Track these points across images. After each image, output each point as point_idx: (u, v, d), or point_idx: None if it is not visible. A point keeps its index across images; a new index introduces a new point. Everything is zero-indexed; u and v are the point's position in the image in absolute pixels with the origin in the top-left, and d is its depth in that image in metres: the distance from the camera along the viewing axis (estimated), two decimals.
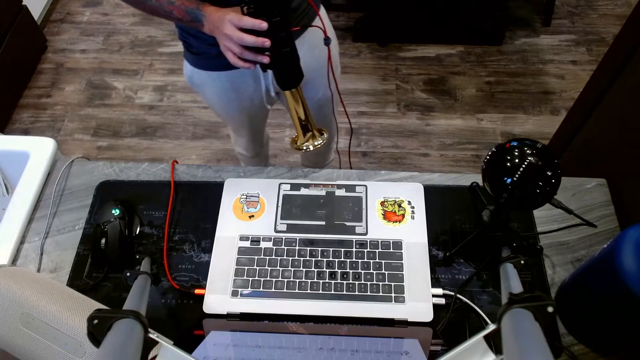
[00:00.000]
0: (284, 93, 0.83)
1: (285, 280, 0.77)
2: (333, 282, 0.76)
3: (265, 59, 0.74)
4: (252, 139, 1.33)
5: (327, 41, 0.80)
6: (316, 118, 1.08)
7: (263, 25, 0.70)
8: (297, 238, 0.81)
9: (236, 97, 1.04)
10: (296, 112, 0.84)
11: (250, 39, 0.71)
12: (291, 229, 0.82)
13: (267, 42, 0.72)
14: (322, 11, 0.97)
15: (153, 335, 0.49)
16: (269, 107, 1.10)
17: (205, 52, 0.93)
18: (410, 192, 0.86)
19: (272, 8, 0.71)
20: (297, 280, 0.77)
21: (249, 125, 1.20)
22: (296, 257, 0.79)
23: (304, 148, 0.87)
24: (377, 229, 0.81)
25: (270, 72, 0.95)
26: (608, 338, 0.71)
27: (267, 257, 0.79)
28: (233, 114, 1.13)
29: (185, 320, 0.76)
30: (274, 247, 0.80)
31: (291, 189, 0.86)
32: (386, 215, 0.83)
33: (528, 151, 0.64)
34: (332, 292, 0.76)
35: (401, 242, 0.80)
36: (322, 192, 0.86)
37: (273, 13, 0.71)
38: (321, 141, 0.87)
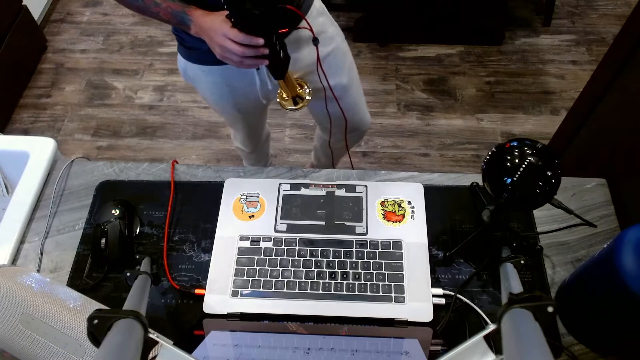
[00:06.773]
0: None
1: (285, 280, 0.77)
2: (333, 282, 0.76)
3: (265, 62, 0.79)
4: (249, 135, 1.34)
5: (315, 42, 0.86)
6: (315, 111, 1.22)
7: (260, 41, 0.75)
8: (297, 238, 0.81)
9: (229, 91, 1.05)
10: (286, 87, 0.93)
11: (250, 52, 0.76)
12: (291, 229, 0.82)
13: (266, 51, 0.77)
14: (320, 9, 0.98)
15: (153, 335, 0.49)
16: (264, 102, 1.10)
17: (196, 47, 0.95)
18: (410, 192, 0.86)
19: (258, 26, 0.75)
20: (297, 280, 0.77)
21: (244, 120, 1.22)
22: (296, 257, 0.79)
23: (292, 108, 0.95)
24: (377, 229, 0.81)
25: (263, 67, 1.00)
26: (608, 338, 0.71)
27: (267, 257, 0.79)
28: (227, 109, 1.13)
29: (185, 320, 0.76)
30: (274, 247, 0.80)
31: (291, 189, 0.86)
32: (386, 215, 0.83)
33: (528, 151, 0.64)
34: (332, 292, 0.76)
35: (401, 242, 0.80)
36: (322, 192, 0.86)
37: (261, 30, 0.75)
38: (308, 98, 0.95)
